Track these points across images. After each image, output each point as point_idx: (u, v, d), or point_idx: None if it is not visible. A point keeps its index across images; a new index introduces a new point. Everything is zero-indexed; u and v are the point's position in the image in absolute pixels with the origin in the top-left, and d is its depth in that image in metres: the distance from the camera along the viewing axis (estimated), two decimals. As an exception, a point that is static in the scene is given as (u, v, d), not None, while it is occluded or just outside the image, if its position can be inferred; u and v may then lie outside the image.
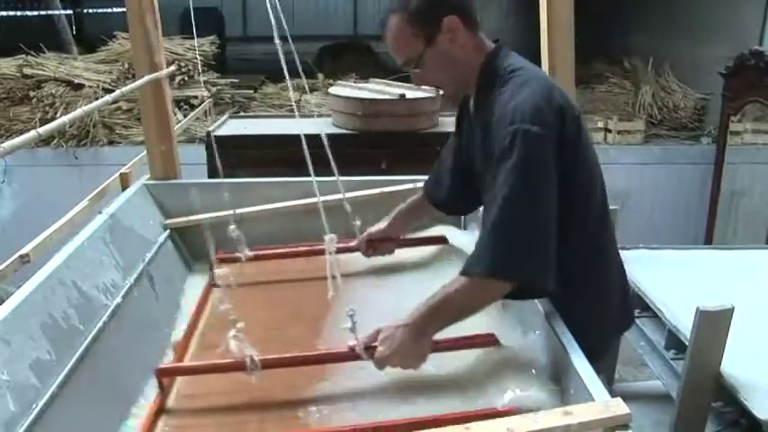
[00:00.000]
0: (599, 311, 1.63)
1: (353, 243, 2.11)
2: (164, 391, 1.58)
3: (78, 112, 1.99)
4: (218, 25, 8.58)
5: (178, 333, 1.91)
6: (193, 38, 5.88)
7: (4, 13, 9.54)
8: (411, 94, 3.60)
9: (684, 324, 1.94)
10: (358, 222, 1.80)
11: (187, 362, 1.73)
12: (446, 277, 1.92)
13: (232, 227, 2.01)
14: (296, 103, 5.49)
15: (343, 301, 1.50)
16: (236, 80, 5.86)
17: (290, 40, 1.40)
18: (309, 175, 1.60)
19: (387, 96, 3.56)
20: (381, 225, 2.11)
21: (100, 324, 1.75)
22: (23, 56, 5.37)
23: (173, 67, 2.64)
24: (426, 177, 2.12)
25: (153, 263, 2.18)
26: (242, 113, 5.21)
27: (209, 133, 3.47)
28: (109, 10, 10.41)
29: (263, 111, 5.47)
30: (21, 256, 1.98)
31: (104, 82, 5.25)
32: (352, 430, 1.38)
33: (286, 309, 2.03)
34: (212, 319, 1.95)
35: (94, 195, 2.49)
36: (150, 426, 1.47)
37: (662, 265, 2.49)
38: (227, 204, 2.36)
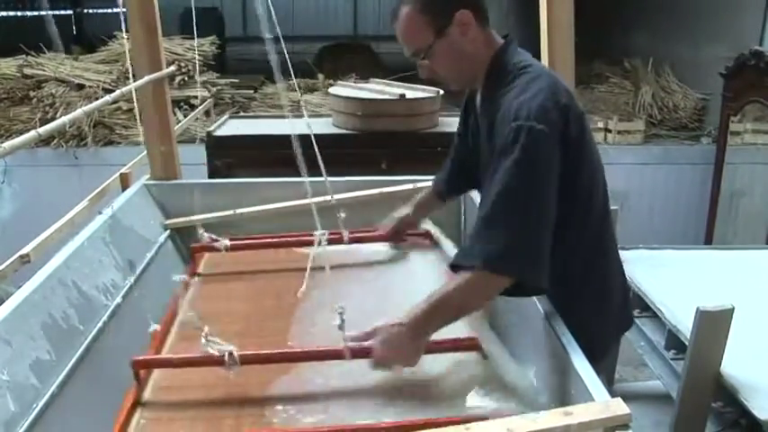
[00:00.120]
0: (600, 312, 1.63)
1: (377, 232, 2.15)
2: (140, 382, 1.54)
3: (78, 112, 1.99)
4: (218, 25, 8.59)
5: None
6: (194, 38, 5.89)
7: (3, 14, 9.54)
8: (411, 94, 3.60)
9: (684, 324, 1.94)
10: (342, 215, 1.81)
11: (165, 353, 1.69)
12: (427, 271, 1.92)
13: (201, 231, 2.02)
14: (296, 103, 5.49)
15: (326, 295, 1.47)
16: (235, 80, 5.86)
17: (282, 41, 1.39)
18: (309, 176, 1.60)
19: (387, 96, 3.56)
20: (406, 210, 2.12)
21: (100, 324, 1.75)
22: (23, 56, 5.37)
23: (173, 67, 2.64)
24: (426, 177, 2.13)
25: (153, 263, 2.19)
26: (242, 114, 5.21)
27: (209, 133, 3.47)
28: (109, 10, 10.42)
29: (263, 111, 5.47)
30: (21, 256, 1.98)
31: (104, 82, 5.25)
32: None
33: (266, 300, 1.98)
34: (192, 310, 1.90)
35: (94, 195, 2.49)
36: (126, 418, 1.44)
37: (662, 265, 2.49)
38: (227, 204, 2.37)
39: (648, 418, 2.25)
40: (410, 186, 2.42)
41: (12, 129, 5.15)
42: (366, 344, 1.48)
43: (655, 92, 5.59)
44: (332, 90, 3.90)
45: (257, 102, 5.78)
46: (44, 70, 5.30)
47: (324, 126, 3.65)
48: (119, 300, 1.89)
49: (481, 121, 1.63)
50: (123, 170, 2.73)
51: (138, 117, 2.74)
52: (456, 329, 1.53)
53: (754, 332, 1.96)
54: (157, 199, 2.48)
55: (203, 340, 1.49)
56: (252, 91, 5.86)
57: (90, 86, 5.22)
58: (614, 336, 1.76)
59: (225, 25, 9.35)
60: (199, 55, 5.55)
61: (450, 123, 3.56)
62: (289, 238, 2.22)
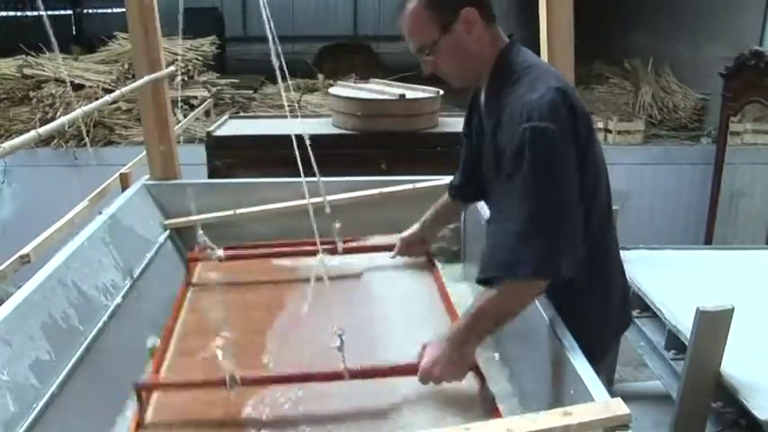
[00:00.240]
0: (601, 312, 1.63)
1: (373, 241, 2.16)
2: (143, 405, 1.55)
3: (78, 112, 1.99)
4: (218, 25, 8.59)
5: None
6: (194, 38, 5.89)
7: (3, 14, 9.54)
8: (411, 94, 3.60)
9: (684, 324, 1.94)
10: (338, 225, 1.83)
11: (165, 370, 1.70)
12: (423, 283, 1.92)
13: (200, 232, 2.02)
14: (296, 103, 5.49)
15: (323, 308, 1.48)
16: (235, 80, 5.86)
17: (277, 42, 1.38)
18: (309, 176, 1.60)
19: (387, 96, 3.56)
20: (414, 228, 2.12)
21: (100, 324, 1.75)
22: (23, 56, 5.37)
23: (172, 68, 2.64)
24: (426, 177, 2.12)
25: (153, 263, 2.19)
26: (242, 114, 5.21)
27: (209, 134, 3.47)
28: (109, 10, 10.42)
29: (263, 111, 5.47)
30: (21, 257, 1.98)
31: (104, 82, 5.25)
32: None
33: (263, 312, 1.99)
34: (189, 324, 1.91)
35: (94, 196, 2.49)
36: None
37: (662, 265, 2.49)
38: (227, 204, 2.37)
39: (648, 418, 2.25)
40: (410, 186, 2.42)
41: (12, 129, 5.15)
42: (411, 361, 1.52)
43: (655, 92, 5.59)
44: (332, 90, 3.90)
45: (257, 102, 5.78)
46: (44, 70, 5.30)
47: (324, 126, 3.65)
48: (119, 300, 1.88)
49: (486, 120, 1.63)
50: (123, 170, 2.73)
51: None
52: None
53: (754, 332, 1.96)
54: (157, 199, 2.48)
55: (217, 341, 1.49)
56: (252, 91, 5.86)
57: (90, 86, 5.22)
58: (614, 335, 1.76)
59: (225, 25, 9.35)
60: (199, 55, 5.56)
61: (450, 123, 3.57)
62: (285, 248, 2.21)
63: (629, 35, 6.97)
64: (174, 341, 1.83)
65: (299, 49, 8.24)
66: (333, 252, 2.08)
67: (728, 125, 4.67)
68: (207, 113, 5.13)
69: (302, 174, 1.35)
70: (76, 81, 5.26)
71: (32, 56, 5.39)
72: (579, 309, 1.53)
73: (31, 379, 1.42)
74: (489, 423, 1.18)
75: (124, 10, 2.35)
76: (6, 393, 1.33)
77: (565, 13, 2.01)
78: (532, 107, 1.40)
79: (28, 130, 1.67)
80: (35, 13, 9.43)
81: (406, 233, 2.13)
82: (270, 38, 1.29)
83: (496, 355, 1.80)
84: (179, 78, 5.15)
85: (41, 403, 1.41)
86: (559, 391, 1.41)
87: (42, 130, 1.71)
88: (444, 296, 2.02)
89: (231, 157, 3.34)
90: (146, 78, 2.36)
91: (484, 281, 1.48)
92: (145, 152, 2.59)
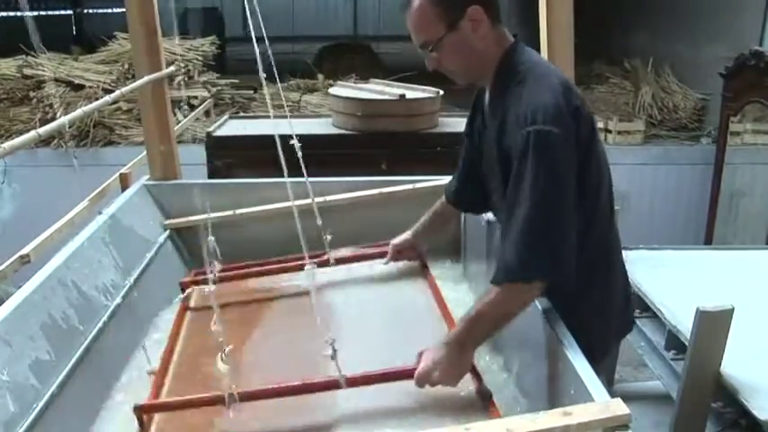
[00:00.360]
0: (601, 312, 1.63)
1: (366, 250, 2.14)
2: (143, 428, 1.53)
3: (78, 112, 1.99)
4: (218, 25, 8.58)
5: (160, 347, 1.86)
6: (194, 38, 5.89)
7: (3, 14, 9.54)
8: (411, 94, 3.60)
9: (684, 324, 1.94)
10: (329, 237, 1.83)
11: (165, 393, 1.68)
12: (418, 289, 1.92)
13: (211, 238, 2.01)
14: (296, 103, 5.50)
15: (320, 322, 1.48)
16: (235, 80, 5.85)
17: (268, 42, 1.39)
18: (309, 176, 1.60)
19: (387, 97, 3.56)
20: (406, 235, 2.11)
21: (99, 324, 1.75)
22: (23, 56, 5.37)
23: (172, 68, 2.64)
24: (426, 178, 2.11)
25: (153, 263, 2.19)
26: (242, 114, 5.20)
27: (209, 134, 3.47)
28: (109, 10, 10.42)
29: (263, 111, 5.47)
30: (21, 257, 1.99)
31: (104, 82, 5.25)
32: None
33: (262, 330, 1.97)
34: (188, 347, 1.89)
35: (94, 196, 2.49)
36: None
37: (662, 265, 2.49)
38: (227, 204, 2.37)
39: (648, 418, 2.25)
40: (410, 187, 2.42)
41: (12, 129, 5.15)
42: (407, 366, 1.52)
43: (655, 92, 5.59)
44: (332, 90, 3.90)
45: (257, 102, 5.78)
46: (44, 70, 5.30)
47: (324, 126, 3.65)
48: (118, 300, 1.88)
49: (489, 120, 1.63)
50: (123, 170, 2.73)
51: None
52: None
53: (754, 332, 1.96)
54: (157, 199, 2.48)
55: (220, 355, 1.49)
56: (252, 91, 5.85)
57: (90, 87, 5.22)
58: (615, 337, 1.76)
59: (225, 25, 9.34)
60: (199, 55, 5.56)
61: (451, 123, 3.57)
62: (278, 264, 2.20)
63: (629, 35, 6.97)
64: (173, 365, 1.81)
65: (299, 49, 8.23)
66: (325, 264, 2.08)
67: (728, 125, 4.67)
68: (207, 113, 5.13)
69: (285, 174, 1.36)
70: (76, 81, 5.26)
71: (32, 56, 5.39)
72: (580, 309, 1.53)
73: (31, 379, 1.42)
74: (489, 423, 1.18)
75: (124, 10, 2.35)
76: (6, 393, 1.33)
77: (565, 13, 2.01)
78: (537, 109, 1.40)
79: (28, 131, 1.67)
80: (35, 14, 9.44)
81: (397, 239, 2.11)
82: (253, 39, 1.30)
83: (498, 361, 1.80)
84: (179, 78, 5.17)
85: (41, 403, 1.41)
86: (559, 391, 1.41)
87: (42, 130, 1.71)
88: (440, 302, 2.01)
89: (231, 157, 3.34)
90: (146, 78, 2.36)
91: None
92: (145, 152, 2.59)
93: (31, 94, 5.21)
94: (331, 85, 4.81)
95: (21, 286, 1.60)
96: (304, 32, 10.32)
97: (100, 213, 2.13)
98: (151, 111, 2.48)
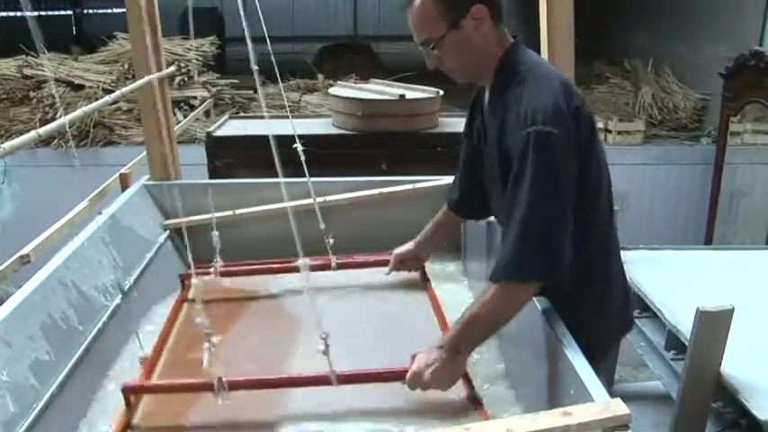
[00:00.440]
0: (601, 312, 1.63)
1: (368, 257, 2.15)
2: (130, 408, 1.54)
3: (78, 112, 1.99)
4: (218, 25, 8.58)
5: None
6: (193, 38, 5.88)
7: (3, 14, 9.54)
8: (411, 94, 3.60)
9: (684, 324, 1.94)
10: (331, 240, 1.84)
11: (155, 379, 1.69)
12: (417, 299, 1.91)
13: (215, 233, 2.02)
14: (296, 103, 5.50)
15: (315, 322, 1.48)
16: (235, 81, 5.85)
17: (269, 42, 1.38)
18: (309, 176, 1.60)
19: (387, 97, 3.56)
20: (408, 245, 2.11)
21: (99, 324, 1.75)
22: (23, 56, 5.37)
23: (172, 68, 2.64)
24: (426, 178, 2.11)
25: (152, 263, 2.19)
26: (242, 114, 5.20)
27: (209, 134, 3.47)
28: (109, 10, 10.42)
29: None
30: (21, 257, 1.98)
31: (104, 82, 5.25)
32: None
33: (257, 326, 1.99)
34: (182, 336, 1.91)
35: (94, 196, 2.49)
36: None
37: (662, 265, 2.49)
38: (227, 204, 2.37)
39: (648, 418, 2.25)
40: (410, 187, 2.42)
41: (12, 129, 5.15)
42: (399, 367, 1.52)
43: (655, 92, 5.59)
44: (332, 90, 3.90)
45: (257, 102, 5.77)
46: (44, 71, 5.29)
47: (324, 126, 3.65)
48: (118, 300, 1.88)
49: (489, 120, 1.63)
50: (123, 170, 2.73)
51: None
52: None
53: (754, 332, 1.96)
54: (157, 199, 2.48)
55: (206, 345, 1.49)
56: (252, 91, 5.85)
57: (90, 87, 5.22)
58: (614, 337, 1.76)
59: (225, 25, 9.34)
60: (199, 55, 5.55)
61: (451, 124, 3.56)
62: (278, 264, 2.20)
63: (629, 35, 6.97)
64: (166, 352, 1.82)
65: (299, 49, 8.22)
66: (327, 268, 2.08)
67: (728, 125, 4.67)
68: (207, 114, 5.12)
69: (281, 174, 1.36)
70: (76, 81, 5.25)
71: (32, 56, 5.39)
72: (579, 308, 1.53)
73: (31, 379, 1.42)
74: (489, 423, 1.18)
75: (124, 10, 2.35)
76: (6, 393, 1.33)
77: (565, 13, 2.01)
78: (537, 110, 1.41)
79: (28, 131, 1.67)
80: (35, 14, 9.43)
81: (399, 249, 2.11)
82: (248, 41, 1.30)
83: (498, 361, 1.79)
84: (179, 78, 5.17)
85: (41, 403, 1.41)
86: (559, 391, 1.41)
87: (42, 130, 1.71)
88: (438, 312, 2.00)
89: (231, 157, 3.34)
90: (146, 78, 2.36)
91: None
92: (145, 152, 2.59)
93: (31, 94, 5.21)
94: (331, 86, 4.81)
95: (21, 286, 1.60)
96: (304, 32, 10.32)
97: (100, 213, 2.13)
98: (151, 111, 2.47)
